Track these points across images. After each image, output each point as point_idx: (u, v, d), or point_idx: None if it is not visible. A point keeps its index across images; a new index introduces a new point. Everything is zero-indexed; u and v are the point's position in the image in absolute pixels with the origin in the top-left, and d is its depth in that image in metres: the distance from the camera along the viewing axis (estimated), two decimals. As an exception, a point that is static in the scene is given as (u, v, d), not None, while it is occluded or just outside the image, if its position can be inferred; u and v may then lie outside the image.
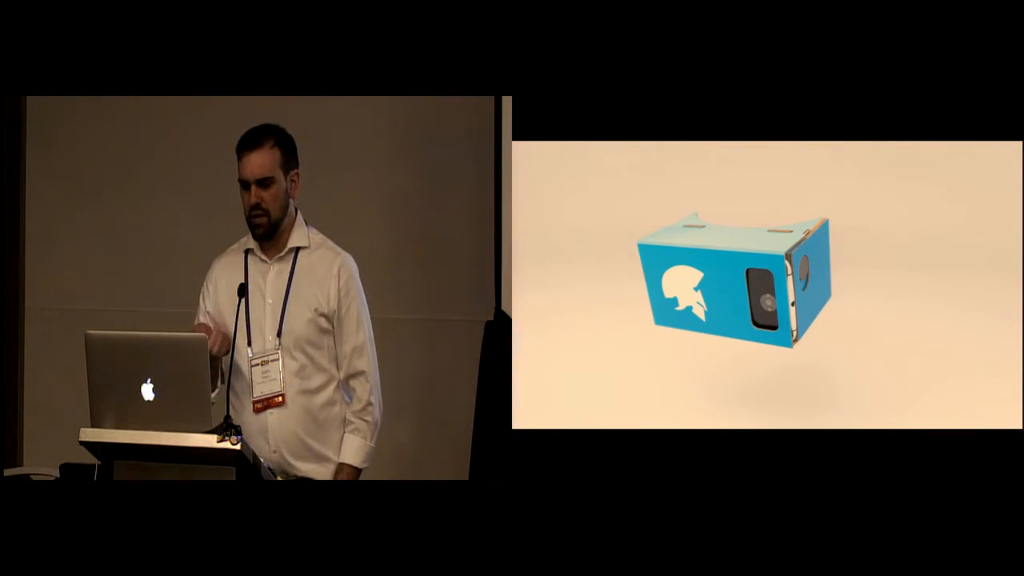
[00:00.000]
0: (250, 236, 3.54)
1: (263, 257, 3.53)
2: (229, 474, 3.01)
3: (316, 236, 3.58)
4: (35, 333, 5.35)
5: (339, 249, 3.59)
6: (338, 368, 3.54)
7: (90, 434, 3.03)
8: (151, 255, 5.23)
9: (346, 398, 3.56)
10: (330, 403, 3.52)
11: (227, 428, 2.97)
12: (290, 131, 3.54)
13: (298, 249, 3.53)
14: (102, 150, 5.28)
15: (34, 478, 3.97)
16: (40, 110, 5.31)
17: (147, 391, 2.99)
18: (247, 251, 3.56)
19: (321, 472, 3.49)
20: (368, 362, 3.55)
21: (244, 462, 3.00)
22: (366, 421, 3.53)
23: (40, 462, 4.34)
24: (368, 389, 3.54)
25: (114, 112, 5.19)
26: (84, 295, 5.26)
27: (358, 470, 3.53)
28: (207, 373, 2.98)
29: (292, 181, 3.50)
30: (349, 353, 3.53)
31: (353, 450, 3.52)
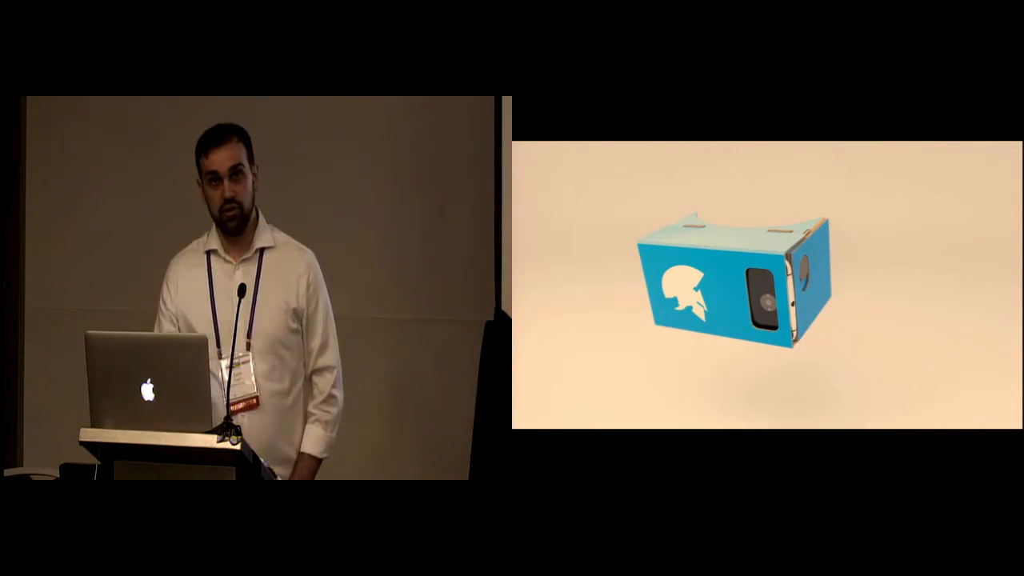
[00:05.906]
0: (210, 237, 3.53)
1: (227, 258, 3.51)
2: (229, 474, 3.00)
3: (280, 235, 3.58)
4: (35, 333, 5.34)
5: (303, 246, 3.59)
6: (304, 365, 3.56)
7: (90, 434, 3.03)
8: (151, 255, 5.19)
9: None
10: (296, 404, 3.55)
11: (227, 428, 2.97)
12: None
13: (263, 250, 3.53)
14: (101, 150, 5.27)
15: (34, 478, 3.96)
16: (40, 110, 5.31)
17: (147, 391, 2.98)
18: (209, 252, 3.53)
19: (285, 474, 3.49)
20: (333, 356, 3.57)
21: (244, 462, 3.00)
22: (328, 412, 3.55)
23: (40, 462, 4.33)
24: (331, 382, 3.56)
25: (114, 112, 5.18)
26: (84, 295, 5.26)
27: (318, 460, 3.54)
28: (207, 373, 2.98)
29: (255, 175, 3.50)
30: (316, 348, 3.55)
31: (314, 440, 3.53)
